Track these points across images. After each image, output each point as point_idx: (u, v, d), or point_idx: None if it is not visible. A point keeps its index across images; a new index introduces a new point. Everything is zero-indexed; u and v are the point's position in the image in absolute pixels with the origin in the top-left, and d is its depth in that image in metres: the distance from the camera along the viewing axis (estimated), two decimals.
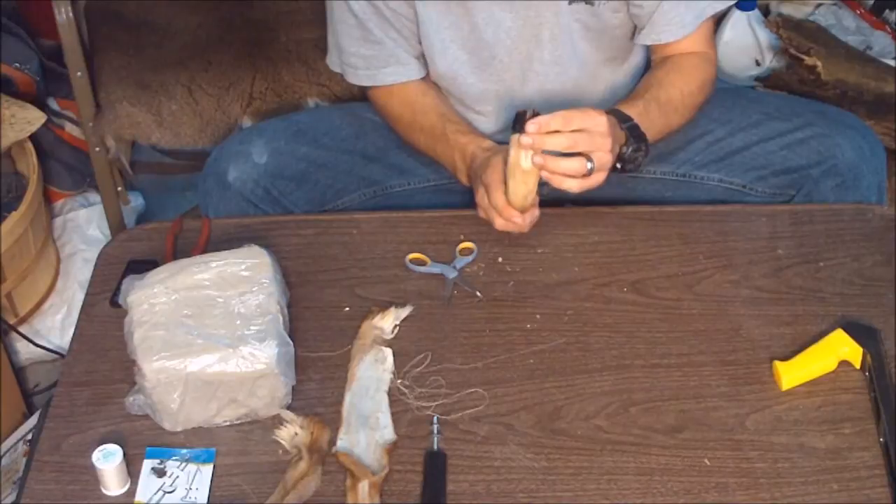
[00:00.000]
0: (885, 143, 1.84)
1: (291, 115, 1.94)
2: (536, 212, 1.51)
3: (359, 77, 1.75)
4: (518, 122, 1.44)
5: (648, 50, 1.74)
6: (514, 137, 1.44)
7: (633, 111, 1.57)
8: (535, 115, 1.43)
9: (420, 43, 1.70)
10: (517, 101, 1.70)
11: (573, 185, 1.47)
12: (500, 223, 1.51)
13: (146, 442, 1.32)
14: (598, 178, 1.48)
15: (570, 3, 1.64)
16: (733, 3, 1.69)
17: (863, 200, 1.64)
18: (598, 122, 1.46)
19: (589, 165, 1.46)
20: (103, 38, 2.23)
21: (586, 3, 1.64)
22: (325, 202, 1.74)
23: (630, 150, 1.53)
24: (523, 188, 1.47)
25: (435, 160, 1.72)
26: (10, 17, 2.38)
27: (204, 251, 1.51)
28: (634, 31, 1.70)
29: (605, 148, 1.46)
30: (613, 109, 1.55)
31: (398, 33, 1.69)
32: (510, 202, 1.48)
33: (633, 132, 1.54)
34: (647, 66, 1.75)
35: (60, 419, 1.36)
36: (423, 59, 1.72)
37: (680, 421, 1.33)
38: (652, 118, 1.59)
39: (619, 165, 1.53)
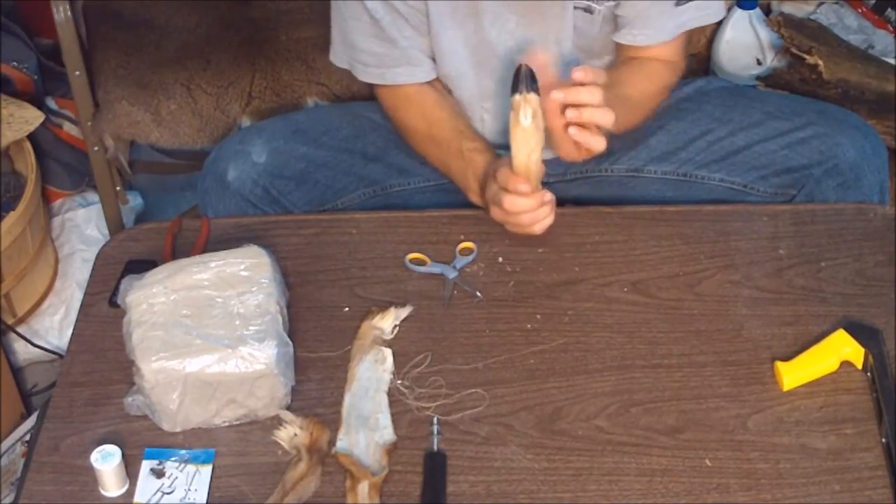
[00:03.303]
0: (887, 143, 1.84)
1: (291, 114, 1.94)
2: (548, 196, 1.47)
3: (368, 74, 1.72)
4: (516, 82, 1.41)
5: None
6: (514, 98, 1.41)
7: None
8: (531, 71, 1.41)
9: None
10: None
11: (601, 144, 1.44)
12: (508, 201, 1.46)
13: (145, 443, 1.32)
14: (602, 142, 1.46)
15: (574, 10, 1.63)
16: (718, 19, 1.70)
17: (865, 200, 1.63)
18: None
19: (612, 118, 1.44)
20: (102, 37, 2.23)
21: (585, 12, 1.64)
22: (324, 202, 1.73)
23: None
24: (525, 148, 1.43)
25: (447, 175, 1.69)
26: (9, 15, 2.38)
27: (203, 251, 1.50)
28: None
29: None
30: None
31: (414, 30, 1.67)
32: (514, 169, 1.45)
33: None
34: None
35: (59, 420, 1.35)
36: (433, 59, 1.71)
37: (681, 422, 1.32)
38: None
39: None
